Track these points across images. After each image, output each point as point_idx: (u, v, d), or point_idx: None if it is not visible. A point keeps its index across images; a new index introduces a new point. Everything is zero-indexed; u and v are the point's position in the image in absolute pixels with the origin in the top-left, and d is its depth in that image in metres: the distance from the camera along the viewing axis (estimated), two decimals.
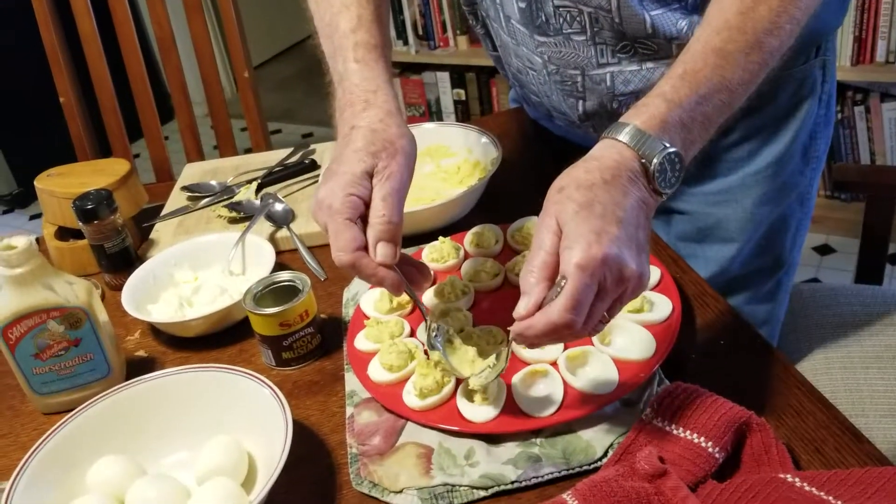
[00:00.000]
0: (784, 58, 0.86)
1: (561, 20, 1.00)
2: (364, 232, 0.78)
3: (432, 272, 0.86)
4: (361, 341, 0.93)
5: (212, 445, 0.80)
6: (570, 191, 0.72)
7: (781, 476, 0.69)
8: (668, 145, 0.73)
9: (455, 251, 1.03)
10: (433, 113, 3.13)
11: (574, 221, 0.69)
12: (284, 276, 0.97)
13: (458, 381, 0.84)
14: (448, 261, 1.02)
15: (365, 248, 0.77)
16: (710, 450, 0.72)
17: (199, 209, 1.26)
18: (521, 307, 0.70)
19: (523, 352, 0.86)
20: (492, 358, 0.80)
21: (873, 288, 1.48)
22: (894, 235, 1.48)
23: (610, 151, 0.74)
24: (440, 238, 1.05)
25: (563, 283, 0.68)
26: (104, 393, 0.85)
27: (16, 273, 0.87)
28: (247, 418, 0.82)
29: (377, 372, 0.87)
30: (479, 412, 0.81)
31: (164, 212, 1.27)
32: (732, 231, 1.15)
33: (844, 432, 0.76)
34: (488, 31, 1.17)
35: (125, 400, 0.85)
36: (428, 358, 0.87)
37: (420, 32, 2.96)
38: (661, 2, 0.96)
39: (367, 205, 0.78)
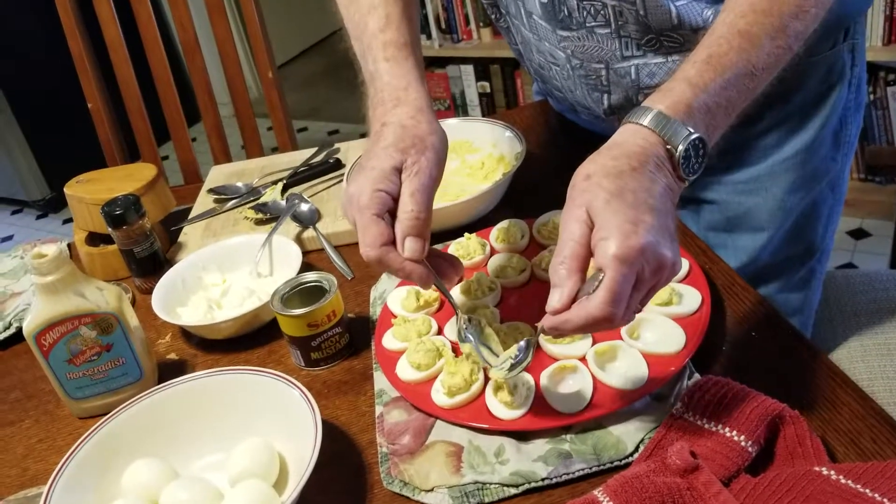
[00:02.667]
0: (811, 43, 0.84)
1: (584, 13, 0.99)
2: (392, 227, 0.77)
3: (462, 264, 0.86)
4: (389, 340, 0.93)
5: (243, 447, 0.80)
6: (598, 178, 0.70)
7: (817, 469, 0.68)
8: (692, 131, 0.72)
9: (481, 247, 1.03)
10: (458, 106, 3.13)
11: (607, 211, 0.68)
12: (311, 276, 0.97)
13: (487, 379, 0.84)
14: (474, 257, 1.02)
15: (392, 242, 0.77)
16: (743, 444, 0.71)
17: (226, 211, 1.27)
18: (555, 300, 0.69)
19: (551, 347, 0.86)
20: (513, 349, 0.79)
21: None
22: None
23: (635, 137, 0.73)
24: (466, 234, 1.05)
25: (601, 277, 0.66)
26: (137, 397, 0.86)
27: (47, 280, 0.88)
28: (277, 420, 0.83)
29: (405, 371, 0.87)
30: (509, 410, 0.80)
31: (191, 215, 1.28)
32: (763, 220, 1.14)
33: (881, 423, 0.74)
34: (510, 26, 1.16)
35: (158, 403, 0.86)
36: (457, 355, 0.87)
37: (443, 26, 2.95)
38: None
39: (396, 200, 0.78)
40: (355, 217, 0.78)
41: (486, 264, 1.02)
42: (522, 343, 0.78)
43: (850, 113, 1.14)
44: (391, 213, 0.78)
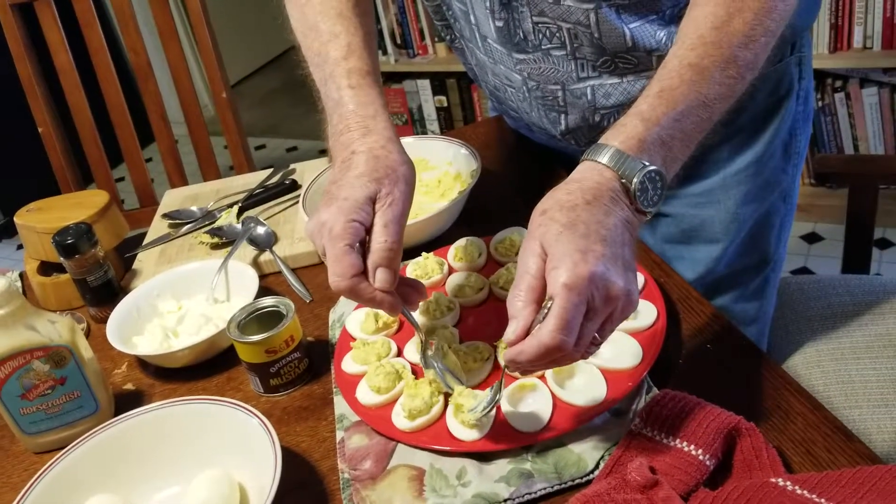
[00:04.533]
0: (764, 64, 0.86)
1: (540, 36, 1.00)
2: (363, 257, 0.77)
3: (426, 287, 0.86)
4: (348, 363, 0.93)
5: (201, 479, 0.79)
6: (552, 213, 0.71)
7: (773, 480, 0.69)
8: (647, 164, 0.73)
9: (439, 266, 1.03)
10: (416, 121, 3.13)
11: (558, 242, 0.69)
12: (268, 301, 0.96)
13: (447, 401, 0.84)
14: (433, 276, 1.02)
15: (363, 273, 0.77)
16: (701, 458, 0.72)
17: (181, 236, 1.26)
18: (510, 332, 0.70)
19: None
20: (489, 391, 0.79)
21: (860, 277, 1.49)
22: (879, 221, 1.49)
23: (591, 173, 0.74)
24: (423, 254, 1.05)
25: (549, 305, 0.67)
26: (92, 431, 0.85)
27: None
28: (237, 449, 0.82)
29: (365, 394, 0.87)
30: (469, 431, 0.80)
31: (145, 241, 1.26)
32: (717, 231, 1.15)
33: (835, 432, 0.76)
34: (464, 48, 1.16)
35: (114, 437, 0.84)
36: (417, 377, 0.87)
37: (398, 41, 2.96)
38: (638, 14, 0.96)
39: (368, 231, 0.78)
40: (326, 246, 0.77)
41: (445, 284, 1.02)
42: (493, 389, 0.79)
43: (800, 124, 1.16)
44: (361, 243, 0.77)
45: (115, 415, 0.95)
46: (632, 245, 0.73)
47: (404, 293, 0.82)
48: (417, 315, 0.96)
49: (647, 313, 0.89)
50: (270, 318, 0.95)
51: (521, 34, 1.00)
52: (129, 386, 1.02)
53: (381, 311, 0.97)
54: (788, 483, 0.69)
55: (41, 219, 1.20)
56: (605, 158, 0.74)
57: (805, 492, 0.68)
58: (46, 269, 1.22)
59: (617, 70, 1.00)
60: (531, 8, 0.97)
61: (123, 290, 1.15)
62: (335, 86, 0.88)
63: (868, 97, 2.43)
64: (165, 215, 1.30)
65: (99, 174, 1.95)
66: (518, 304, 0.70)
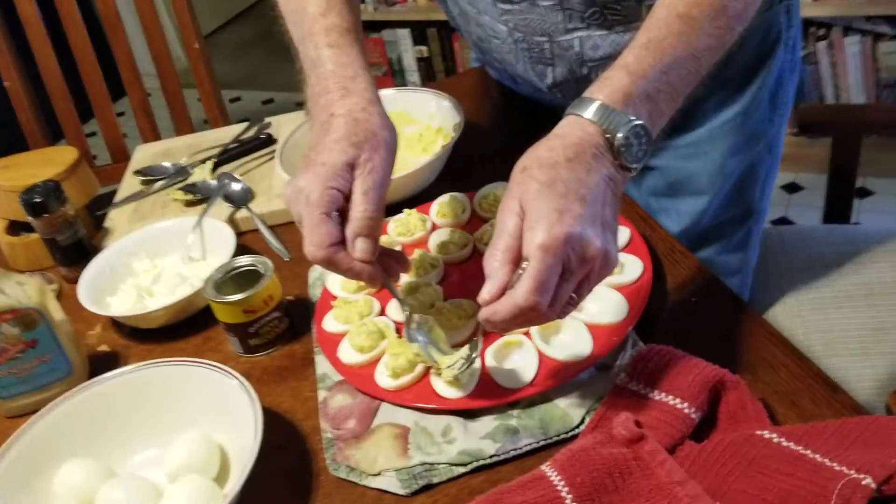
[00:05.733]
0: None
1: None
2: (341, 226, 0.74)
3: (409, 260, 0.84)
4: (330, 322, 0.91)
5: (181, 442, 0.78)
6: (532, 171, 0.69)
7: (759, 433, 0.69)
8: (632, 119, 0.71)
9: (422, 223, 1.01)
10: (396, 72, 3.08)
11: (536, 201, 0.67)
12: (245, 260, 0.94)
13: None
14: (415, 234, 1.00)
15: (341, 243, 0.73)
16: (687, 411, 0.72)
17: (154, 193, 1.22)
18: (485, 292, 0.68)
19: None
20: (465, 349, 0.78)
21: (842, 227, 1.49)
22: (861, 171, 1.48)
23: (573, 128, 0.72)
24: (405, 210, 1.03)
25: (524, 266, 0.66)
26: (65, 395, 0.83)
27: None
28: (216, 411, 0.80)
29: (348, 354, 0.86)
30: (454, 389, 0.79)
31: (116, 198, 1.23)
32: (703, 183, 1.14)
33: (819, 383, 0.75)
34: None
35: (88, 400, 0.83)
36: (400, 336, 0.85)
37: None
38: None
39: (347, 198, 0.74)
40: (302, 213, 0.73)
41: (428, 241, 1.00)
42: (470, 347, 0.77)
43: (787, 74, 1.14)
44: (340, 211, 0.74)
45: (90, 377, 0.93)
46: (613, 204, 0.71)
47: (386, 264, 0.79)
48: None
49: (632, 268, 0.87)
50: (248, 278, 0.93)
51: None
52: (104, 347, 1.00)
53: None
54: (774, 435, 0.68)
55: (8, 176, 1.16)
56: (588, 113, 0.71)
57: (791, 444, 0.68)
58: (15, 228, 1.18)
59: (605, 22, 0.97)
60: None
61: (95, 250, 1.12)
62: (313, 44, 0.83)
63: (850, 46, 2.41)
64: (137, 172, 1.26)
65: (69, 130, 1.90)
66: (495, 264, 0.68)
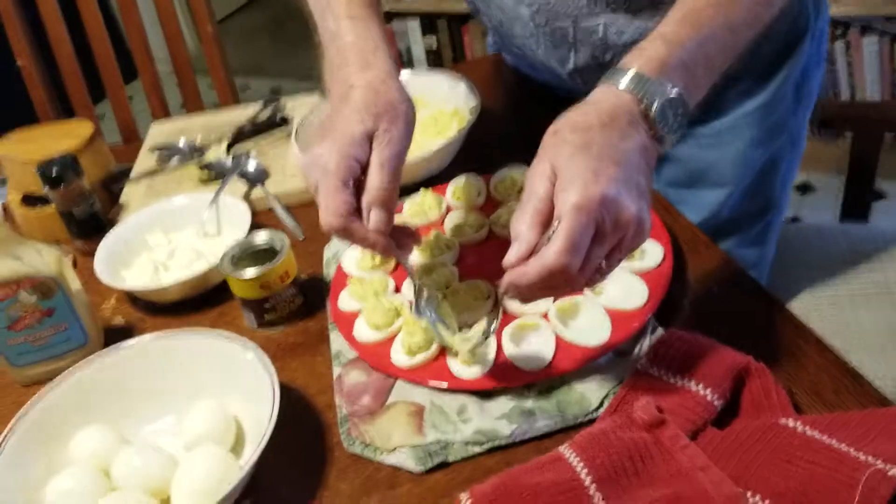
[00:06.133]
0: None
1: None
2: (356, 196, 0.73)
3: (420, 234, 0.83)
4: (345, 300, 0.90)
5: (197, 411, 0.77)
6: (564, 133, 0.68)
7: (782, 421, 0.68)
8: (669, 88, 0.70)
9: (437, 204, 1.00)
10: (405, 62, 3.07)
11: (571, 163, 0.66)
12: (262, 236, 0.93)
13: None
14: (430, 214, 1.00)
15: (356, 212, 0.72)
16: (709, 397, 0.71)
17: (169, 170, 1.22)
18: (512, 255, 0.66)
19: (513, 305, 0.84)
20: (482, 323, 0.77)
21: (858, 226, 1.48)
22: (879, 171, 1.47)
23: (607, 95, 0.70)
24: (422, 189, 1.02)
25: (555, 226, 0.64)
26: (82, 362, 0.82)
27: None
28: (231, 382, 0.80)
29: (363, 331, 0.85)
30: (470, 368, 0.78)
31: (132, 174, 1.22)
32: (724, 174, 1.13)
33: (843, 375, 0.75)
34: None
35: (104, 368, 0.82)
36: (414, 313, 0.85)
37: None
38: None
39: (364, 169, 0.74)
40: (318, 182, 0.72)
41: (443, 222, 0.99)
42: (487, 321, 0.76)
43: (812, 66, 1.13)
44: (356, 182, 0.73)
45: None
46: (648, 173, 0.70)
47: (396, 237, 0.78)
48: (415, 253, 0.94)
49: (653, 253, 0.87)
50: (264, 254, 0.92)
51: None
52: (119, 320, 0.99)
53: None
54: (798, 424, 0.68)
55: (24, 149, 1.16)
56: (623, 81, 0.70)
57: (815, 433, 0.67)
58: (30, 200, 1.18)
59: (632, 6, 0.96)
60: None
61: (110, 223, 1.11)
62: (333, 16, 0.83)
63: (868, 45, 2.39)
64: (153, 148, 1.25)
65: (80, 110, 1.89)
66: (522, 227, 0.66)
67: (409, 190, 1.05)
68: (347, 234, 0.73)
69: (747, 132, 1.10)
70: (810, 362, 0.76)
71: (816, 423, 0.68)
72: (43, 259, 0.86)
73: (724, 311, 0.84)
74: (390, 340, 0.83)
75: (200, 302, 0.99)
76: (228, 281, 0.91)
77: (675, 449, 0.67)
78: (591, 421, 0.74)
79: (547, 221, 0.66)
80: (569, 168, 0.66)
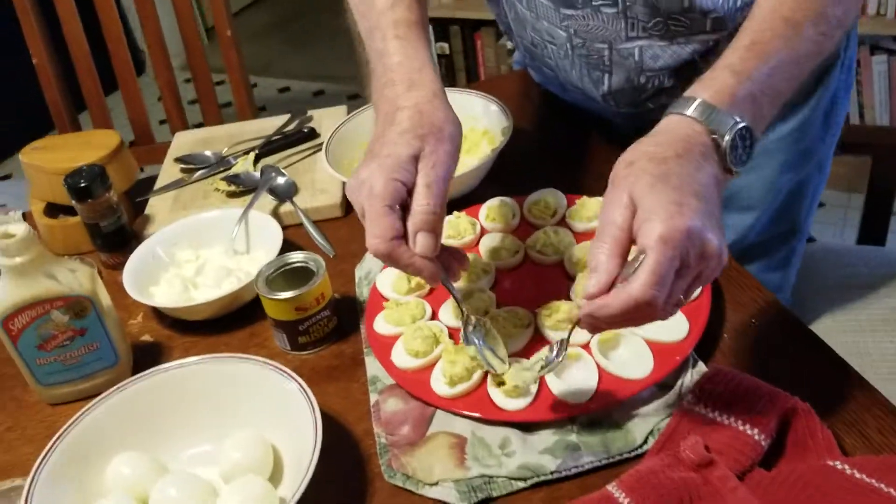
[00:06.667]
0: None
1: None
2: (402, 219, 0.73)
3: (467, 258, 0.82)
4: (381, 324, 0.90)
5: (236, 440, 0.77)
6: (642, 163, 0.68)
7: (830, 464, 0.68)
8: (738, 120, 0.70)
9: (472, 227, 1.00)
10: None
11: (652, 194, 0.65)
12: (297, 256, 0.93)
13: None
14: (465, 237, 0.99)
15: (403, 236, 0.72)
16: (757, 437, 0.71)
17: (195, 182, 1.21)
18: (593, 285, 0.65)
19: (552, 334, 0.83)
20: (544, 351, 0.76)
21: (877, 249, 1.48)
22: None
23: (679, 126, 0.70)
24: (455, 213, 1.01)
25: (641, 258, 0.63)
26: (117, 387, 0.81)
27: (15, 262, 0.82)
28: (269, 410, 0.79)
29: (402, 358, 0.84)
30: (513, 400, 0.78)
31: (157, 185, 1.21)
32: (753, 198, 1.13)
33: (887, 414, 0.74)
34: (502, 1, 1.11)
35: (140, 393, 0.81)
36: (456, 342, 0.84)
37: None
38: None
39: (410, 192, 0.73)
40: (364, 205, 0.73)
41: (477, 244, 0.98)
42: (554, 349, 0.75)
43: (841, 93, 1.14)
44: (402, 205, 0.73)
45: (134, 367, 0.92)
46: (720, 204, 0.69)
47: (445, 262, 0.78)
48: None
49: None
50: (298, 274, 0.92)
51: None
52: (147, 337, 0.99)
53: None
54: (846, 466, 0.68)
55: (50, 158, 1.15)
56: (693, 111, 0.70)
57: (864, 476, 0.67)
58: (52, 210, 1.17)
59: (668, 32, 0.96)
60: None
61: (136, 237, 1.10)
62: (381, 35, 0.83)
63: (878, 65, 2.40)
64: (178, 159, 1.24)
65: (93, 107, 1.87)
66: (602, 257, 0.66)
67: (452, 208, 1.05)
68: (393, 259, 0.73)
69: (778, 157, 1.11)
70: (853, 400, 0.76)
71: (865, 466, 0.67)
72: (76, 278, 0.86)
73: (763, 344, 0.84)
74: (430, 368, 0.83)
75: (230, 321, 0.98)
76: (263, 301, 0.90)
77: (726, 490, 0.67)
78: (636, 457, 0.74)
79: (625, 252, 0.66)
80: (650, 198, 0.65)
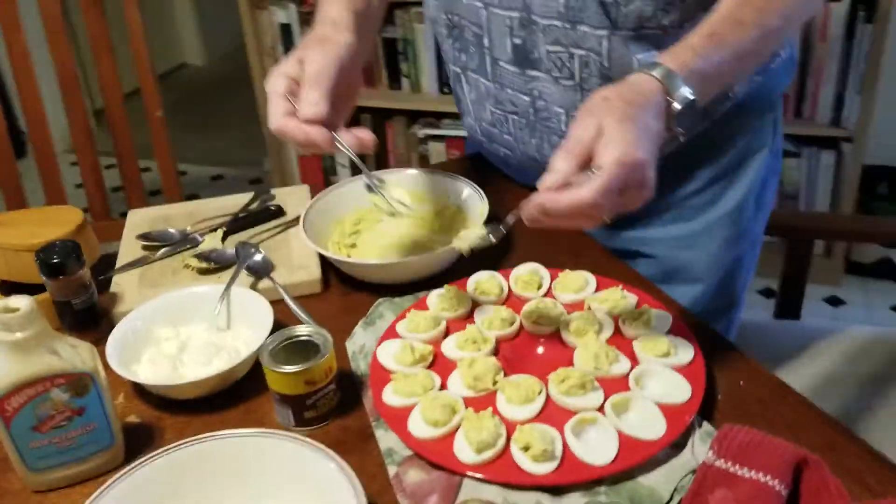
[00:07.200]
0: (747, 110, 1.12)
1: (550, 64, 1.06)
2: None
3: (373, 137, 0.97)
4: (390, 396, 0.90)
5: None
6: (615, 101, 0.82)
7: None
8: (689, 91, 0.85)
9: (464, 299, 1.02)
10: (324, 156, 3.09)
11: (619, 127, 0.79)
12: (304, 330, 0.92)
13: (510, 434, 0.83)
14: (459, 309, 1.01)
15: (293, 115, 0.94)
16: (777, 488, 0.75)
17: (160, 259, 1.18)
18: (549, 180, 0.79)
19: (567, 400, 0.86)
20: (481, 229, 0.94)
21: (794, 323, 1.61)
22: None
23: (647, 82, 0.85)
24: (446, 287, 1.04)
25: (594, 170, 0.77)
26: (131, 466, 0.77)
27: (16, 338, 0.78)
28: (299, 489, 0.77)
29: (420, 428, 0.85)
30: (540, 465, 0.80)
31: (119, 262, 1.17)
32: (700, 272, 1.23)
33: (882, 464, 0.81)
34: (464, 84, 1.19)
35: (160, 469, 0.78)
36: (476, 410, 0.85)
37: None
38: (644, 46, 1.03)
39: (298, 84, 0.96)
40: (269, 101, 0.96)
41: (474, 316, 1.01)
42: (491, 230, 0.92)
43: (770, 178, 1.26)
44: (292, 93, 0.95)
45: (126, 450, 0.88)
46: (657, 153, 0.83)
47: (349, 140, 0.96)
48: (452, 347, 0.96)
49: (685, 349, 0.92)
50: (298, 348, 0.91)
51: (537, 55, 1.07)
52: (133, 418, 0.94)
53: (415, 344, 0.95)
54: None
55: (8, 234, 1.09)
56: (658, 73, 0.85)
57: None
58: (7, 289, 1.10)
59: None
60: (546, 35, 1.04)
61: (106, 314, 1.06)
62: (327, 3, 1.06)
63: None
64: (140, 236, 1.21)
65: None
66: (562, 163, 0.79)
67: (428, 284, 1.07)
68: (288, 131, 0.94)
69: (720, 234, 1.22)
70: (846, 452, 0.83)
71: None
72: (78, 353, 0.82)
73: (754, 404, 0.89)
74: (450, 436, 0.84)
75: (221, 399, 0.95)
76: (268, 375, 0.89)
77: None
78: None
79: (583, 164, 0.80)
80: (616, 129, 0.79)
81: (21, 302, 0.78)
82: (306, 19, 2.84)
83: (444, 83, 2.85)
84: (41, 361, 0.79)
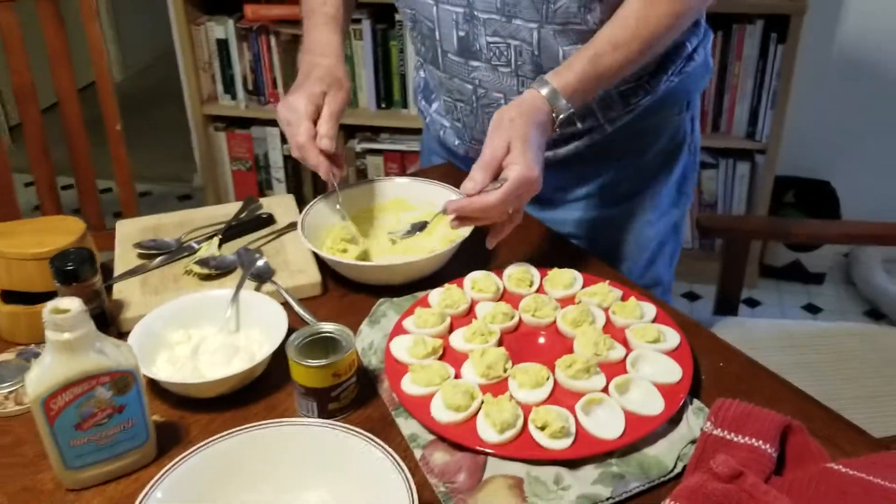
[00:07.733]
0: (665, 109, 1.30)
1: (490, 54, 1.21)
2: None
3: (344, 165, 1.22)
4: (409, 386, 0.96)
5: None
6: (520, 123, 1.06)
7: (829, 466, 0.84)
8: (570, 108, 1.10)
9: (463, 297, 1.10)
10: (260, 168, 3.11)
11: (522, 147, 1.04)
12: (328, 327, 0.97)
13: (526, 415, 0.91)
14: (460, 306, 1.09)
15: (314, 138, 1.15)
16: (769, 451, 0.86)
17: (158, 267, 1.21)
18: (470, 186, 1.04)
19: (574, 383, 0.95)
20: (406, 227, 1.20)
21: (731, 318, 1.75)
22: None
23: (537, 100, 1.09)
24: (446, 285, 1.11)
25: (502, 182, 1.03)
26: (187, 453, 0.81)
27: (65, 338, 0.81)
28: (350, 476, 0.83)
29: (443, 413, 0.91)
30: (556, 441, 0.88)
31: (116, 271, 1.20)
32: (626, 252, 1.38)
33: (848, 428, 0.93)
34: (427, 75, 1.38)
35: (216, 456, 0.82)
36: (494, 395, 0.93)
37: (250, 87, 2.95)
38: (569, 39, 1.17)
39: (318, 113, 1.17)
40: (290, 118, 1.16)
41: (475, 312, 1.08)
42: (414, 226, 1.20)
43: (689, 171, 1.42)
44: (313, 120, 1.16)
45: (157, 448, 0.91)
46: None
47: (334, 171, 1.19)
48: (460, 341, 1.03)
49: (672, 335, 1.02)
50: (319, 344, 0.96)
51: (478, 46, 1.21)
52: (156, 417, 0.97)
53: (426, 338, 1.02)
54: (840, 467, 0.84)
55: (9, 244, 1.10)
56: (546, 93, 1.09)
57: (856, 472, 0.84)
58: (11, 297, 1.11)
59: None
60: (486, 28, 1.19)
61: (114, 321, 1.09)
62: (312, 21, 1.28)
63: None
64: (137, 244, 1.23)
65: None
66: (479, 174, 1.04)
67: (424, 285, 1.14)
68: (307, 151, 1.15)
69: (641, 218, 1.38)
70: (819, 420, 0.94)
71: (854, 464, 0.85)
72: (122, 352, 0.85)
73: (736, 382, 1.00)
74: (472, 419, 0.91)
75: (238, 396, 0.99)
76: (294, 369, 0.94)
77: (759, 494, 0.81)
78: (674, 477, 0.86)
79: (494, 174, 1.04)
80: (522, 149, 1.04)
81: (71, 303, 0.81)
82: (244, 35, 2.87)
83: (381, 98, 2.92)
84: (88, 360, 0.82)
